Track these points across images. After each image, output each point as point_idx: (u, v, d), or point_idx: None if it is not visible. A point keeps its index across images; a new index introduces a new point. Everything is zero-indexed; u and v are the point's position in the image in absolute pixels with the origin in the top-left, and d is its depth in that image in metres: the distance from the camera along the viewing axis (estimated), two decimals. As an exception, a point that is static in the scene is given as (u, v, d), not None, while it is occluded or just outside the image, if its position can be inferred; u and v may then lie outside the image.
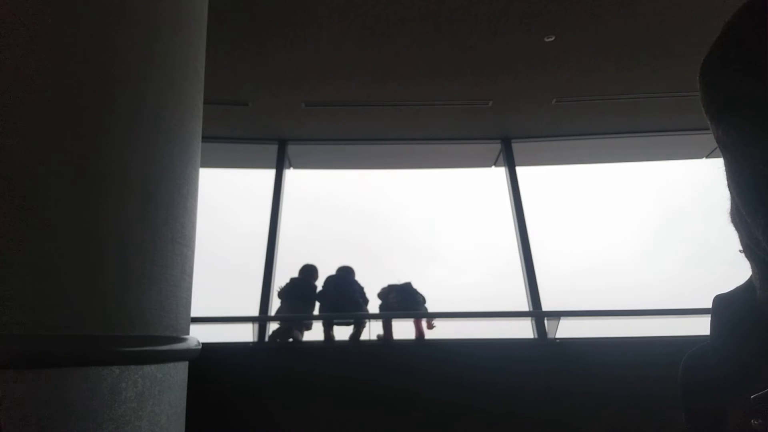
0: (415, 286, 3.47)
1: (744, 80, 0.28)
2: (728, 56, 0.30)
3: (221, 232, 4.19)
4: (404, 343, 3.21)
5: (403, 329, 3.31)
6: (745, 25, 0.29)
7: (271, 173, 4.07)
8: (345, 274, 3.53)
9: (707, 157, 4.33)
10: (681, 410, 0.38)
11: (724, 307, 0.36)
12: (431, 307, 3.44)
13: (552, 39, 2.94)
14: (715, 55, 0.32)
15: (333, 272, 3.55)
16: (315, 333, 3.33)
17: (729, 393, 0.32)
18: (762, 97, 0.26)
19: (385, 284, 3.52)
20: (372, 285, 3.52)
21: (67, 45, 1.08)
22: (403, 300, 3.35)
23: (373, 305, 3.46)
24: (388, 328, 3.26)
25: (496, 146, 4.27)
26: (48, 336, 0.90)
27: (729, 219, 0.34)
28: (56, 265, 0.95)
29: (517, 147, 4.19)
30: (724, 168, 0.35)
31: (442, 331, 3.29)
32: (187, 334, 1.35)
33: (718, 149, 0.35)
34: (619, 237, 4.38)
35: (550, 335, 3.15)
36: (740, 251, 0.31)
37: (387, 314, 3.34)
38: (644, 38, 2.95)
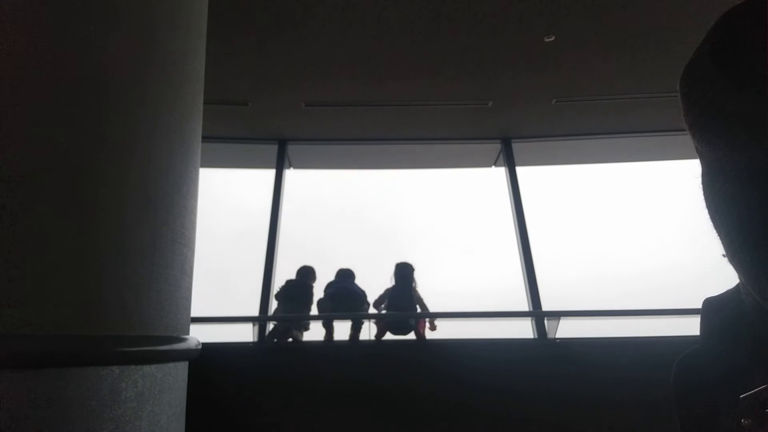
0: (419, 287, 3.41)
1: (720, 92, 0.28)
2: (704, 66, 0.29)
3: (221, 232, 4.19)
4: (404, 343, 3.21)
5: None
6: (722, 35, 0.29)
7: (271, 173, 4.07)
8: (345, 278, 3.46)
9: (707, 157, 4.32)
10: (675, 411, 0.39)
11: (714, 310, 0.36)
12: (434, 307, 3.42)
13: (552, 39, 2.94)
14: (692, 65, 0.31)
15: (333, 272, 3.52)
16: (313, 335, 3.32)
17: (720, 394, 0.32)
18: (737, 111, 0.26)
19: (386, 283, 3.50)
20: (373, 284, 3.51)
21: (66, 45, 1.08)
22: (396, 307, 3.30)
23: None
24: (380, 330, 3.24)
25: (496, 146, 4.27)
26: (48, 336, 0.90)
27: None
28: (56, 265, 0.95)
29: (517, 147, 4.19)
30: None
31: (442, 331, 3.29)
32: (187, 334, 1.35)
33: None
34: (618, 236, 4.38)
35: (550, 335, 3.15)
36: (723, 255, 0.32)
37: (387, 314, 3.33)
38: (644, 38, 2.95)
